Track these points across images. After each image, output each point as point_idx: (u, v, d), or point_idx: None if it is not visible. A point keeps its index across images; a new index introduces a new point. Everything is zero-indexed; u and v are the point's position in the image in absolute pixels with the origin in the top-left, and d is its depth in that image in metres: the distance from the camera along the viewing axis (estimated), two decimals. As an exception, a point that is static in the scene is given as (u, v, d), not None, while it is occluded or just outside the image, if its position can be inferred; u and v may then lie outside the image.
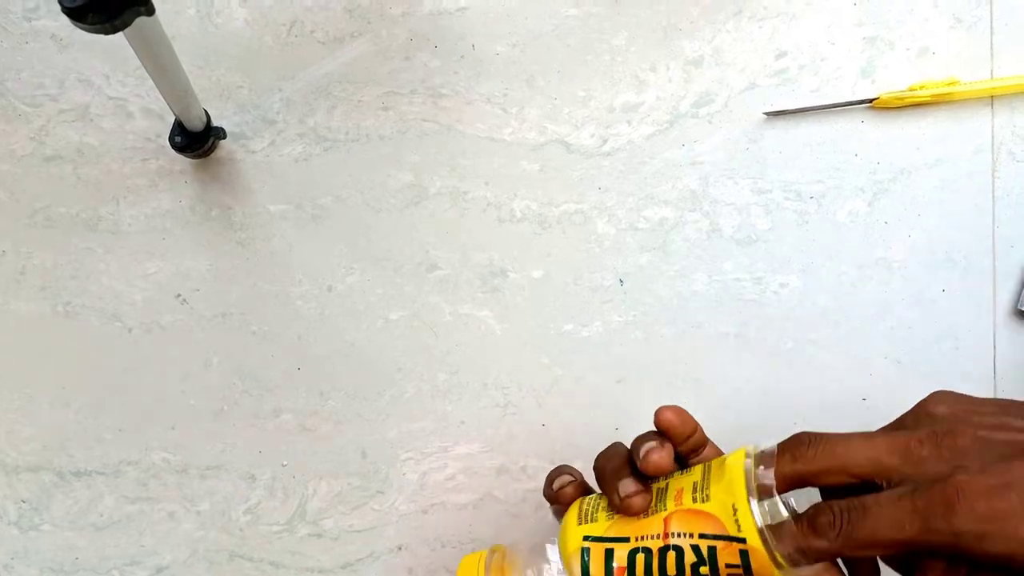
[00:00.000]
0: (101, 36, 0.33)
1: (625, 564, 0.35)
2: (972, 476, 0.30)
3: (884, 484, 0.32)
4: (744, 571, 0.33)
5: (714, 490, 0.33)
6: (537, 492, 0.50)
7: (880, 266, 0.49)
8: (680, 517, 0.34)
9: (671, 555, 0.34)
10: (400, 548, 0.50)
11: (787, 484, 0.33)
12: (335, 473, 0.50)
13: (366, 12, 0.49)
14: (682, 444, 0.37)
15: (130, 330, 0.50)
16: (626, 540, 0.35)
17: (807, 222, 0.49)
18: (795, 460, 0.33)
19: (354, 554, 0.50)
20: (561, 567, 0.37)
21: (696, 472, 0.35)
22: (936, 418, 0.33)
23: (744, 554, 0.33)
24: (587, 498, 0.39)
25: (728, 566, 0.33)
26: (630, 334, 0.50)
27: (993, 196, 0.49)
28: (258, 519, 0.51)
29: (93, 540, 0.51)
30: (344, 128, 0.50)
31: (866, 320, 0.49)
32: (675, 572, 0.34)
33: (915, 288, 0.49)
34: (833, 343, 0.49)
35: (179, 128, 0.47)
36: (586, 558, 0.36)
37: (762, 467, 0.33)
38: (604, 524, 0.35)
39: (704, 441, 0.38)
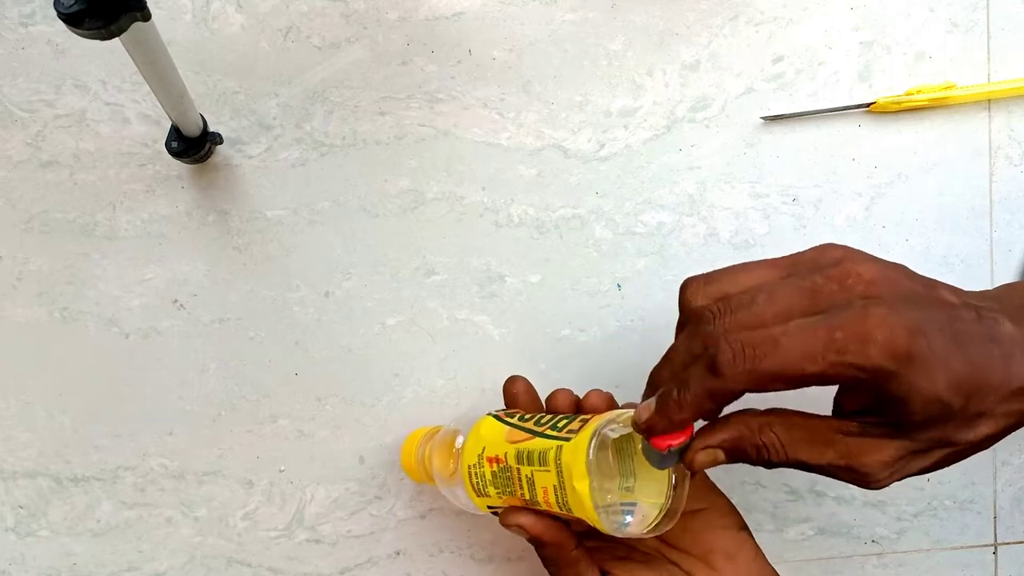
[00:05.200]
0: (97, 42, 0.33)
1: None
2: (890, 310, 0.26)
3: None
4: None
5: (573, 506, 0.36)
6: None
7: (877, 270, 0.49)
8: (553, 512, 0.38)
9: None
10: (398, 553, 0.50)
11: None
12: (333, 479, 0.50)
13: (362, 17, 0.49)
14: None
15: (127, 336, 0.50)
16: None
17: (805, 227, 0.49)
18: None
19: (352, 559, 0.50)
20: None
21: (551, 466, 0.37)
22: (834, 261, 0.31)
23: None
24: (471, 462, 0.40)
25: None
26: (628, 339, 0.50)
27: (990, 200, 0.49)
28: (256, 525, 0.50)
29: (90, 546, 0.51)
30: (341, 133, 0.50)
31: (864, 324, 0.49)
32: None
33: (913, 292, 0.49)
34: (831, 347, 0.49)
35: (176, 133, 0.46)
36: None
37: (607, 494, 0.36)
38: (497, 500, 0.40)
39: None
